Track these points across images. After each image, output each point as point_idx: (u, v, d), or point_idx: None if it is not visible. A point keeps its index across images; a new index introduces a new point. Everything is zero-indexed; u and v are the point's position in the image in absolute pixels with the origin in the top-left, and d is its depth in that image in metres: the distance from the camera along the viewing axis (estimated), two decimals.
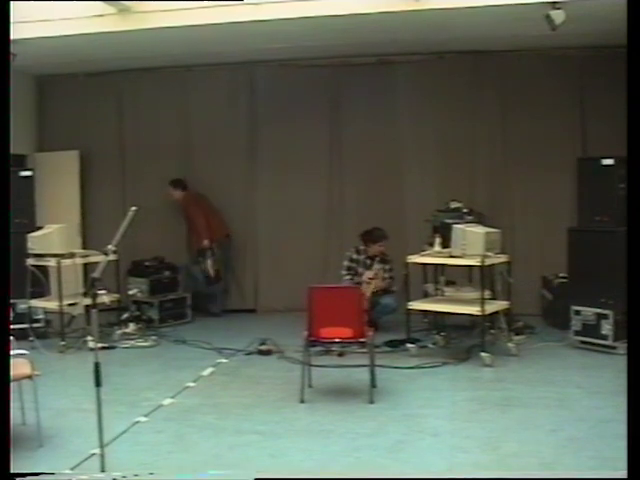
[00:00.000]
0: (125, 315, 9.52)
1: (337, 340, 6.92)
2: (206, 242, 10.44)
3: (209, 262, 10.40)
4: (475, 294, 8.62)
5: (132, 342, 9.05)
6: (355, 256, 9.52)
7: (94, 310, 4.65)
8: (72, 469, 5.15)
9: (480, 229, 7.90)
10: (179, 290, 10.47)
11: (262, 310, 11.00)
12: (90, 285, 4.72)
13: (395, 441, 5.68)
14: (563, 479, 4.86)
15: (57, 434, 5.89)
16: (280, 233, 10.86)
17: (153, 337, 9.26)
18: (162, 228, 11.00)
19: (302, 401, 6.66)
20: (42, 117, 11.49)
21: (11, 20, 5.89)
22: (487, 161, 10.34)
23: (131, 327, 9.42)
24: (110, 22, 8.48)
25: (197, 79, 10.95)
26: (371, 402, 6.59)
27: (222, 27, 8.42)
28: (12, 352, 5.96)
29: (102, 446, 4.87)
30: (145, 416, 6.33)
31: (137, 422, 6.16)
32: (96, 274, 4.72)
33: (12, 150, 10.61)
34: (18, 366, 5.90)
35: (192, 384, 7.32)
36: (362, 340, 6.74)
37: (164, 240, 10.93)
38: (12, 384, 5.76)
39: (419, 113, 10.44)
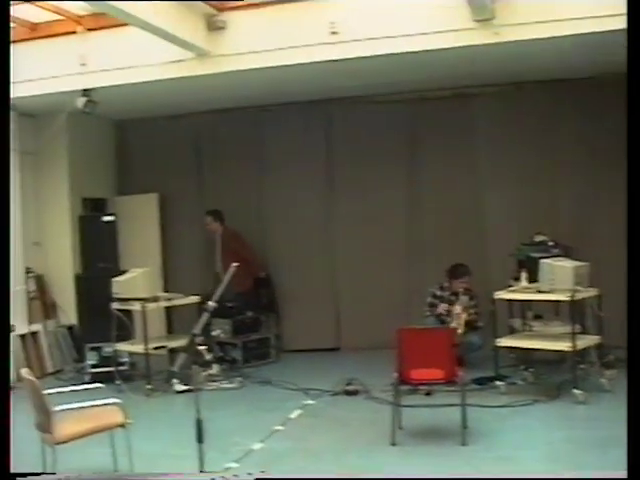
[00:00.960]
0: (208, 357, 9.52)
1: (428, 382, 6.79)
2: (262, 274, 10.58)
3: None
4: (564, 328, 8.42)
5: (217, 384, 9.03)
6: (439, 292, 9.39)
7: (196, 367, 4.64)
8: None
9: (569, 263, 7.71)
10: (262, 330, 10.45)
11: (345, 348, 10.90)
12: (190, 341, 4.71)
13: None
14: (563, 479, 4.72)
15: None
16: (360, 269, 10.76)
17: (238, 378, 9.23)
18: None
19: (393, 444, 6.53)
20: (122, 161, 11.71)
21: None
22: (570, 192, 10.09)
23: (215, 368, 9.41)
24: (188, 67, 8.60)
25: (272, 118, 11.01)
26: (463, 444, 6.42)
27: (299, 68, 8.48)
28: (104, 401, 6.05)
29: None
30: (236, 462, 6.27)
31: (228, 468, 6.10)
32: (196, 330, 4.71)
33: (92, 194, 10.99)
34: (110, 414, 5.94)
35: (280, 427, 7.25)
36: (453, 381, 6.61)
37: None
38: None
39: (497, 144, 10.27)
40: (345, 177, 10.92)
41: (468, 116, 10.41)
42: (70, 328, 10.51)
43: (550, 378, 8.40)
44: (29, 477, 4.24)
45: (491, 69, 9.24)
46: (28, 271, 10.13)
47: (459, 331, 8.61)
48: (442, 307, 9.27)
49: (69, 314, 10.52)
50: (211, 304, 4.90)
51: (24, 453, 6.27)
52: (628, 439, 3.62)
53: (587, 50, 8.19)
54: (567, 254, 8.53)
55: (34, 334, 10.02)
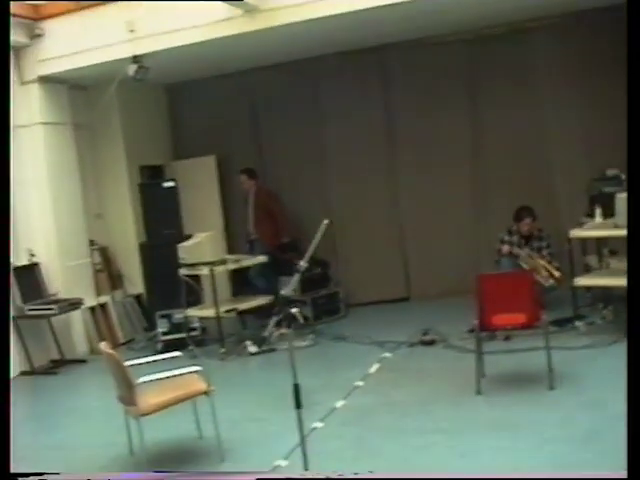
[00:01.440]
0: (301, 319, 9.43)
1: (510, 327, 6.62)
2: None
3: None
4: None
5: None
6: (507, 237, 9.08)
7: (290, 330, 4.56)
8: None
9: None
10: (330, 285, 10.34)
11: (415, 297, 10.76)
12: (282, 304, 4.61)
13: (588, 431, 5.33)
14: (563, 479, 4.57)
15: (236, 447, 5.80)
16: (425, 217, 10.56)
17: (310, 336, 9.16)
18: (306, 225, 10.78)
19: (479, 393, 6.40)
20: (175, 125, 11.64)
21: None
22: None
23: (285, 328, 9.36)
24: (238, 24, 8.43)
25: (327, 69, 10.76)
26: (551, 388, 6.26)
27: (350, 15, 8.23)
28: (185, 369, 5.99)
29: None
30: (321, 421, 6.18)
31: (314, 428, 5.99)
32: (286, 292, 4.61)
33: (149, 162, 10.93)
34: (192, 382, 5.87)
35: (361, 383, 7.15)
36: (536, 325, 6.43)
37: (310, 237, 10.74)
38: None
39: (560, 78, 9.87)
40: (405, 125, 10.67)
41: (527, 51, 10.04)
42: (138, 297, 10.57)
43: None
44: (31, 477, 4.19)
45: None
46: (92, 243, 10.14)
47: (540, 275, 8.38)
48: (505, 248, 8.98)
49: (136, 283, 10.57)
50: (302, 264, 4.78)
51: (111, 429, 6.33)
52: (628, 439, 3.46)
53: None
54: None
55: (103, 306, 10.06)
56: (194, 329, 9.25)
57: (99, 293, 10.07)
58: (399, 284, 10.77)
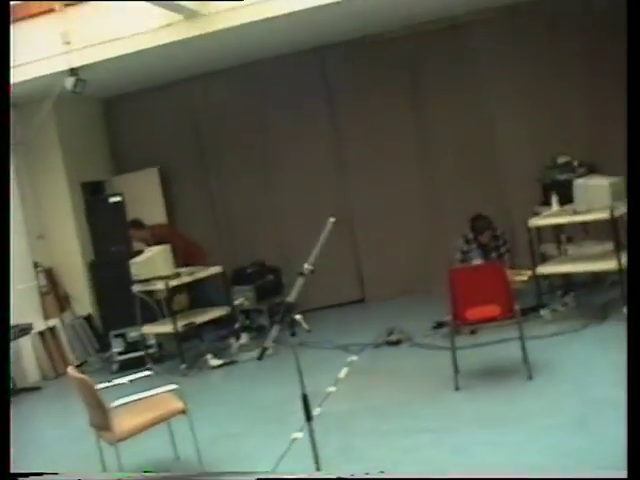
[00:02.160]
0: (236, 326, 9.24)
1: (486, 320, 6.54)
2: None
3: None
4: (600, 248, 8.23)
5: (251, 354, 8.76)
6: (466, 247, 8.97)
7: (294, 338, 4.40)
8: None
9: (604, 180, 7.43)
10: (284, 293, 10.13)
11: (370, 299, 10.64)
12: (285, 310, 4.44)
13: (577, 418, 5.30)
14: (563, 479, 4.55)
15: (217, 466, 5.57)
16: (377, 217, 10.44)
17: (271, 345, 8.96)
18: (255, 232, 10.73)
19: (457, 389, 6.33)
20: (115, 139, 11.30)
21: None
22: (580, 110, 9.69)
23: (244, 338, 9.16)
24: (178, 30, 8.21)
25: (267, 73, 10.58)
26: (530, 378, 6.23)
27: (288, 17, 8.10)
28: (163, 388, 5.76)
29: None
30: (300, 431, 6.01)
31: (295, 439, 5.83)
32: (291, 298, 4.44)
33: (89, 178, 10.59)
34: (167, 402, 5.65)
35: (333, 389, 6.99)
36: (510, 316, 6.38)
37: (259, 244, 10.65)
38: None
39: (500, 71, 9.89)
40: (350, 125, 10.55)
41: (467, 46, 10.02)
42: (87, 318, 10.21)
43: (591, 300, 8.22)
44: (31, 477, 3.96)
45: None
46: (36, 265, 9.77)
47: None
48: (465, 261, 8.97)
49: (84, 304, 10.22)
50: (307, 267, 4.61)
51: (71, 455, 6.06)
52: (628, 439, 3.43)
53: None
54: (593, 172, 8.27)
55: (52, 329, 9.69)
56: (151, 346, 8.97)
57: (47, 316, 9.70)
58: (353, 286, 10.66)
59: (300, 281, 4.47)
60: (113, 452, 5.29)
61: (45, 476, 4.21)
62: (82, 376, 5.44)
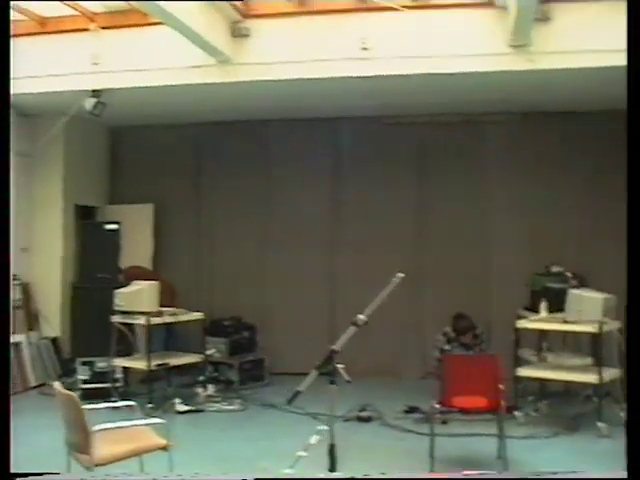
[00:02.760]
0: (202, 376, 9.11)
1: (472, 410, 6.56)
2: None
3: None
4: (578, 361, 8.38)
5: (218, 405, 8.67)
6: (447, 346, 8.94)
7: (334, 386, 4.36)
8: None
9: (599, 294, 7.60)
10: (257, 351, 10.09)
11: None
12: (328, 357, 4.42)
13: None
14: (563, 479, 4.61)
15: None
16: (358, 296, 10.00)
17: (237, 400, 8.88)
18: (237, 288, 10.70)
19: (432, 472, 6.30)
20: (115, 169, 11.28)
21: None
22: (579, 223, 9.99)
23: (210, 389, 9.05)
24: (209, 73, 8.30)
25: (276, 134, 10.76)
26: None
27: (317, 82, 8.28)
28: (145, 421, 5.67)
29: None
30: None
31: None
32: (337, 346, 4.42)
33: (84, 201, 10.52)
34: (148, 435, 5.54)
35: (304, 453, 6.88)
36: (495, 410, 6.41)
37: (239, 298, 10.59)
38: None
39: (505, 173, 10.23)
40: (351, 200, 10.68)
41: (477, 143, 10.34)
42: (54, 341, 9.98)
43: (562, 410, 8.29)
44: (31, 477, 3.88)
45: (502, 97, 9.17)
46: (14, 278, 9.57)
47: None
48: None
49: (53, 326, 10.01)
50: (361, 317, 4.62)
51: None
52: (628, 439, 3.50)
53: (604, 83, 8.15)
54: (583, 285, 8.43)
55: (17, 345, 9.46)
56: (117, 380, 8.80)
57: (14, 331, 9.46)
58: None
59: (351, 330, 4.47)
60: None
61: (45, 476, 4.11)
62: (70, 393, 5.32)
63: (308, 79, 8.19)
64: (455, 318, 9.07)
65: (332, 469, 4.42)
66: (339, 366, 4.46)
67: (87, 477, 4.88)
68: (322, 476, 4.70)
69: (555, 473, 4.71)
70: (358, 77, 8.03)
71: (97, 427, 5.11)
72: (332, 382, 4.40)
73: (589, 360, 8.36)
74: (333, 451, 4.46)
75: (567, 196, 10.04)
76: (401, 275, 4.62)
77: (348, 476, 4.60)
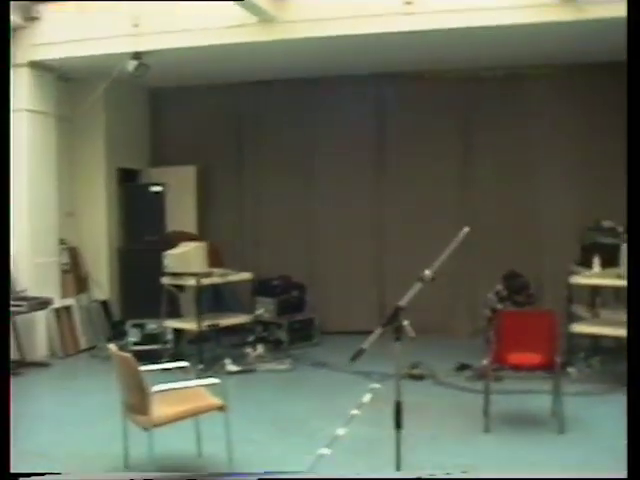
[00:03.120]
0: (252, 337, 9.13)
1: (526, 366, 6.50)
2: None
3: None
4: None
5: (268, 365, 8.68)
6: (500, 306, 8.68)
7: (398, 343, 4.32)
8: None
9: None
10: (306, 311, 10.07)
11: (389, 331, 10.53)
12: (394, 314, 4.36)
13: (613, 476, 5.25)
14: (563, 479, 4.56)
15: (241, 469, 5.45)
16: (407, 254, 10.02)
17: (287, 360, 8.89)
18: (284, 246, 10.69)
19: (487, 431, 6.25)
20: (156, 131, 11.24)
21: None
22: (626, 178, 9.79)
23: (259, 349, 9.06)
24: (250, 32, 8.20)
25: (317, 92, 10.62)
26: (561, 432, 6.15)
27: (361, 38, 8.13)
28: (203, 381, 5.70)
29: None
30: (327, 447, 5.91)
31: (322, 455, 5.73)
32: (403, 302, 4.37)
33: (126, 164, 10.52)
34: (205, 396, 5.54)
35: (357, 412, 6.89)
36: (551, 367, 6.33)
37: (286, 258, 10.58)
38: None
39: (552, 127, 9.96)
40: (396, 158, 10.53)
41: (524, 97, 10.10)
42: (104, 303, 10.06)
43: (615, 366, 8.19)
44: (33, 477, 3.90)
45: (549, 50, 8.93)
46: (62, 242, 9.65)
47: None
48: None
49: (103, 288, 10.09)
50: (428, 273, 4.55)
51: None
52: (628, 439, 3.41)
53: None
54: None
55: (67, 308, 9.55)
56: (167, 342, 8.85)
57: (64, 295, 9.57)
58: (374, 317, 10.46)
59: (417, 286, 4.40)
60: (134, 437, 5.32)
61: (47, 476, 4.14)
62: (126, 355, 5.34)
63: (351, 35, 8.06)
64: (508, 277, 8.90)
65: (398, 426, 4.34)
66: (405, 322, 4.37)
67: (87, 477, 4.93)
68: (350, 476, 4.69)
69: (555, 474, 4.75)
70: (401, 32, 7.87)
71: (155, 388, 5.13)
72: (397, 339, 4.31)
73: None
74: (399, 408, 4.38)
75: (616, 149, 9.80)
76: (467, 229, 4.49)
77: (349, 476, 4.62)
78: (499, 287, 8.86)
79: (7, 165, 6.61)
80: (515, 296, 8.83)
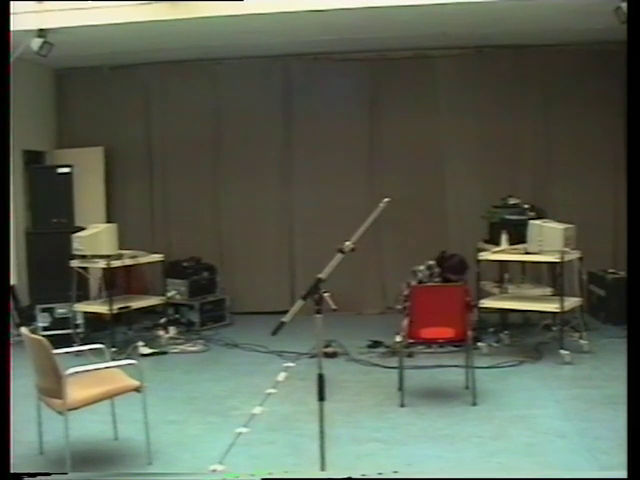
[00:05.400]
0: (163, 319, 9.04)
1: (440, 341, 6.64)
2: None
3: None
4: (538, 291, 8.52)
5: (181, 347, 8.63)
6: (427, 280, 8.74)
7: (319, 315, 4.32)
8: None
9: (559, 225, 7.67)
10: (217, 292, 10.03)
11: (301, 311, 10.57)
12: (314, 286, 4.35)
13: (525, 444, 5.43)
14: (563, 479, 4.76)
15: (160, 450, 5.43)
16: (317, 234, 10.19)
17: (200, 341, 8.86)
18: (194, 228, 10.59)
19: (402, 405, 6.37)
20: (62, 112, 10.93)
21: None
22: (529, 157, 10.15)
23: (172, 331, 8.99)
24: (159, 10, 8.03)
25: (228, 73, 10.54)
26: (474, 404, 6.32)
27: (266, 17, 8.07)
28: (119, 362, 5.63)
29: None
30: (244, 426, 5.92)
31: (240, 433, 5.74)
32: (323, 275, 4.37)
33: (31, 146, 10.23)
34: (121, 378, 5.46)
35: (273, 390, 6.92)
36: (462, 340, 6.48)
37: (197, 240, 10.49)
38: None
39: (458, 107, 10.13)
40: (303, 135, 10.56)
41: (429, 78, 10.28)
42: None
43: (524, 340, 8.45)
44: (38, 477, 3.87)
45: (454, 32, 9.06)
46: None
47: None
48: None
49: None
50: (348, 244, 4.53)
51: None
52: (628, 439, 3.57)
53: (554, 15, 8.14)
54: (540, 217, 8.48)
55: None
56: (78, 326, 8.68)
57: None
58: (284, 297, 10.49)
59: (338, 258, 4.41)
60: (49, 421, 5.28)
61: (53, 476, 4.07)
62: (39, 337, 5.24)
63: (256, 14, 8.00)
64: (447, 257, 9.04)
65: (321, 398, 4.38)
66: (325, 294, 4.39)
67: (93, 477, 4.85)
68: (321, 476, 4.71)
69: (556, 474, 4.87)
70: (310, 11, 7.86)
71: (69, 371, 5.04)
72: (318, 311, 4.34)
73: (549, 290, 8.52)
74: (322, 381, 4.41)
75: (520, 129, 10.10)
76: (387, 200, 4.54)
77: (345, 476, 4.65)
78: (431, 262, 8.94)
79: (7, 165, 6.32)
80: (449, 275, 8.90)
